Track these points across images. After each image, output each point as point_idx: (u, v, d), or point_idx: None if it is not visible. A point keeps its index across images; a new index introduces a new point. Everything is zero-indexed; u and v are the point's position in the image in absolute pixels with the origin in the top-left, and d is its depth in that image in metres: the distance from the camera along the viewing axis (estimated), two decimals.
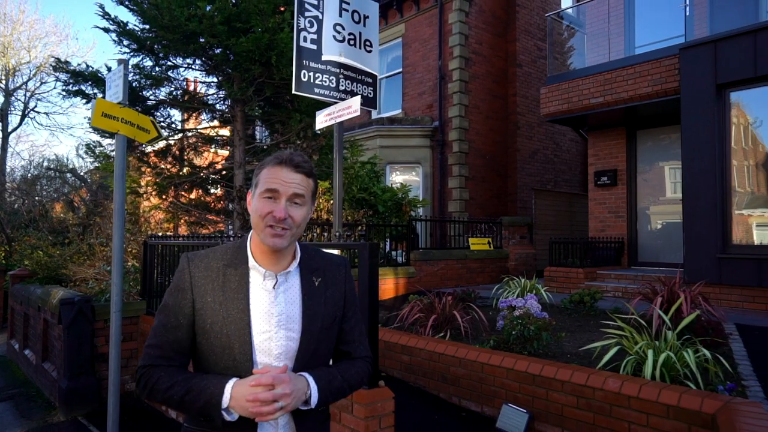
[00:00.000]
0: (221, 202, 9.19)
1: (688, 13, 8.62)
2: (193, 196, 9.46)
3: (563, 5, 14.65)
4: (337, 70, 3.55)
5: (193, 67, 8.06)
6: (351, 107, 3.35)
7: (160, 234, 8.33)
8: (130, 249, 7.79)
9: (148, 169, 8.50)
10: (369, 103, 3.74)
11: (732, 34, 6.90)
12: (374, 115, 14.39)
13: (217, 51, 7.35)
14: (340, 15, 3.57)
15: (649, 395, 3.39)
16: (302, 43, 3.39)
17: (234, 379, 1.33)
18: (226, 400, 1.30)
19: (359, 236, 8.52)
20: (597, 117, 9.10)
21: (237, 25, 6.87)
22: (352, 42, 3.63)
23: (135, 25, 7.34)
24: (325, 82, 3.48)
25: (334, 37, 3.53)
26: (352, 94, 3.61)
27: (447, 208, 12.36)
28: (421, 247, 10.20)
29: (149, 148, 8.41)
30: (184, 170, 8.57)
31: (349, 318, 1.56)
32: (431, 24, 12.92)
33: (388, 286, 8.46)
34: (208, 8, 6.82)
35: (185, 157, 8.73)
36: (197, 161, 9.00)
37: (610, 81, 8.29)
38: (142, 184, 8.02)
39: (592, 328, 5.57)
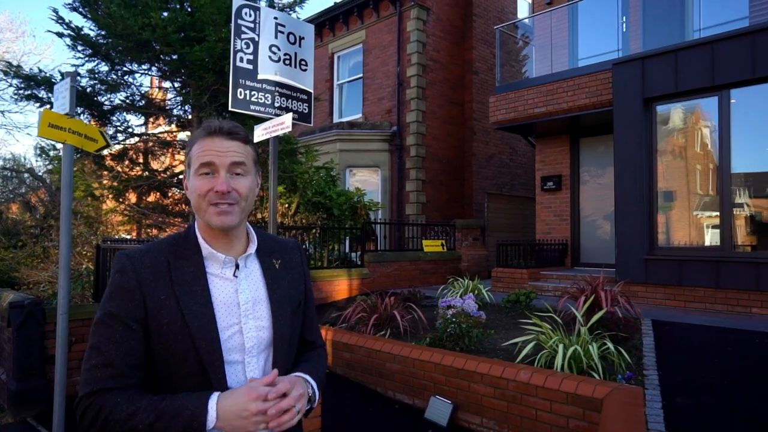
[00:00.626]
0: (180, 205, 9.33)
1: (624, 30, 9.19)
2: (151, 198, 9.58)
3: (520, 14, 15.23)
4: (273, 88, 3.83)
5: (149, 72, 8.20)
6: (283, 123, 3.64)
7: (116, 237, 8.44)
8: (85, 252, 7.90)
9: (106, 173, 8.60)
10: (304, 118, 4.03)
11: (657, 53, 7.44)
12: (336, 118, 14.71)
13: (174, 57, 7.52)
14: (276, 37, 3.85)
15: (553, 385, 3.79)
16: (239, 63, 3.66)
17: (215, 394, 1.14)
18: (211, 421, 1.11)
19: (313, 238, 8.81)
20: (543, 125, 9.60)
21: (191, 34, 7.06)
22: (287, 62, 3.92)
23: (91, 29, 7.46)
24: (261, 99, 3.76)
25: (269, 57, 3.81)
26: (288, 110, 3.90)
27: (405, 211, 12.74)
28: (380, 249, 10.54)
29: (106, 151, 8.52)
30: (142, 173, 8.69)
31: (309, 305, 1.47)
32: (390, 31, 13.27)
33: (342, 287, 8.76)
34: (164, 15, 7.02)
35: (143, 161, 8.85)
36: (155, 165, 9.13)
37: (552, 92, 8.78)
38: (95, 186, 8.11)
39: (524, 325, 5.98)
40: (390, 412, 4.64)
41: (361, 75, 14.12)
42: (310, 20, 14.97)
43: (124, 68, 7.93)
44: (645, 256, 7.40)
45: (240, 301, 1.27)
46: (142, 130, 9.51)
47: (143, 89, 8.78)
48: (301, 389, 1.21)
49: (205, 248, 1.28)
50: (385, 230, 12.02)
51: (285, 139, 9.16)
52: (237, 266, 1.29)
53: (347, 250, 10.00)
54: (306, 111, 4.04)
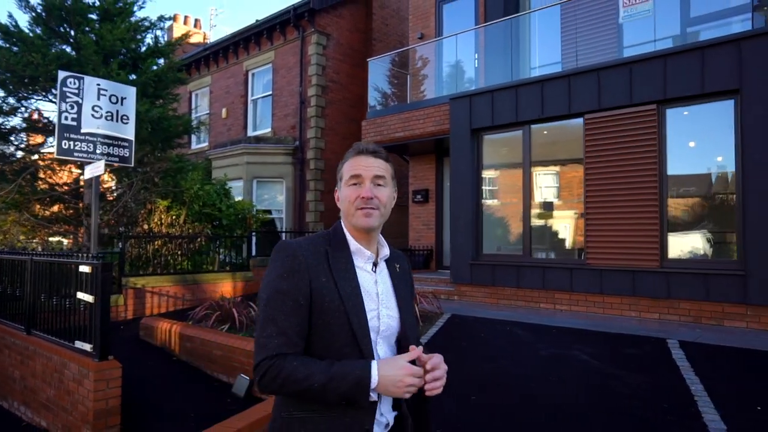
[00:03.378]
0: (79, 217, 10.31)
1: (476, 66, 10.70)
2: (56, 209, 10.51)
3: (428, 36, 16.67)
4: (95, 139, 5.01)
5: (45, 99, 9.19)
6: (99, 168, 4.83)
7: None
8: None
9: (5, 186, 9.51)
10: (124, 160, 5.22)
11: (480, 92, 8.94)
12: (250, 131, 15.83)
13: None
14: (98, 98, 5.04)
15: None
16: (63, 121, 4.82)
17: (375, 362, 1.34)
18: (374, 383, 1.32)
19: (199, 246, 9.95)
20: (414, 146, 11.01)
21: (75, 69, 8.13)
22: (109, 117, 5.10)
23: None
24: (84, 147, 4.93)
25: (92, 115, 4.99)
26: (110, 155, 5.09)
27: (305, 219, 13.99)
28: (267, 254, 11.76)
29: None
30: (41, 187, 9.62)
31: (413, 306, 1.69)
32: (295, 54, 14.50)
33: (226, 288, 9.93)
34: (52, 50, 8.04)
35: (42, 176, 9.77)
36: (54, 179, 10.06)
37: (408, 120, 10.21)
38: None
39: None
40: (211, 388, 5.88)
41: (270, 92, 15.29)
42: (225, 41, 16.10)
43: (20, 94, 8.90)
44: (470, 261, 8.87)
45: (378, 291, 1.49)
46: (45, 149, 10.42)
47: (46, 113, 9.74)
48: (444, 364, 1.42)
49: (353, 244, 1.50)
50: (288, 237, 13.33)
51: (176, 158, 10.29)
52: (375, 263, 1.53)
53: (244, 254, 11.19)
54: (127, 155, 5.23)
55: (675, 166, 7.20)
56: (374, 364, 1.34)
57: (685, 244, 7.20)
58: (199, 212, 10.21)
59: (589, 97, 7.70)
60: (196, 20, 21.78)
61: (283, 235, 13.60)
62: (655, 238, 7.08)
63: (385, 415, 1.46)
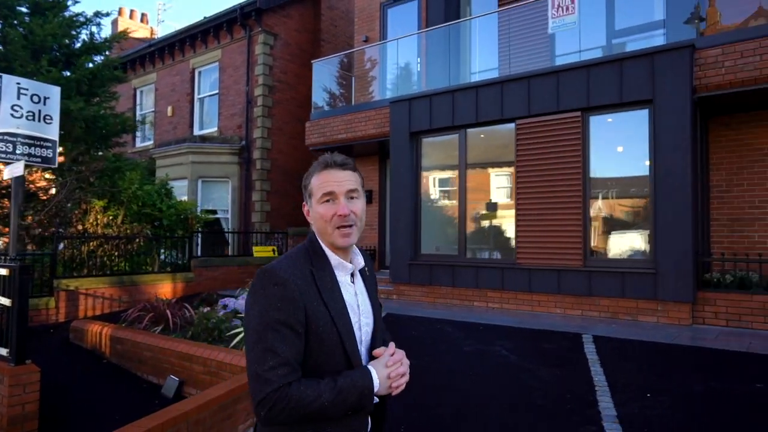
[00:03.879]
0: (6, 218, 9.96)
1: (419, 69, 10.94)
2: None
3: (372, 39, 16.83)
4: (15, 139, 4.92)
5: None
6: (18, 169, 4.76)
7: None
8: None
9: None
10: (47, 161, 5.15)
11: (419, 96, 9.17)
12: (196, 130, 15.62)
13: None
14: (18, 98, 4.95)
15: (236, 361, 5.16)
16: None
17: (370, 367, 1.42)
18: (376, 386, 1.38)
19: (138, 246, 9.80)
20: (359, 147, 11.13)
21: (3, 65, 7.88)
22: (30, 117, 5.02)
23: None
24: (2, 147, 4.84)
25: (11, 114, 4.90)
26: (30, 155, 5.01)
27: (251, 219, 13.93)
28: (225, 254, 11.70)
29: None
30: None
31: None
32: (242, 53, 14.40)
33: (165, 289, 9.81)
34: None
35: None
36: None
37: (350, 122, 10.35)
38: None
39: None
40: (138, 390, 5.85)
41: (217, 91, 15.13)
42: (171, 37, 15.82)
43: None
44: (409, 261, 9.09)
45: (359, 302, 1.51)
46: None
47: None
48: (406, 359, 1.49)
49: (334, 258, 1.48)
50: (235, 237, 13.28)
51: (113, 157, 10.09)
52: (352, 274, 1.54)
53: (189, 255, 11.06)
54: (50, 155, 5.16)
55: (597, 171, 7.61)
56: (373, 371, 1.40)
57: (606, 245, 7.63)
58: (139, 212, 10.04)
59: (520, 103, 8.04)
60: (143, 15, 21.25)
61: (229, 235, 13.51)
62: (579, 238, 7.47)
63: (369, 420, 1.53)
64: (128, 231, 9.68)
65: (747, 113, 7.58)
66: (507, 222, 8.51)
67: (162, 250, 10.38)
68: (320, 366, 1.39)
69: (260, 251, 11.93)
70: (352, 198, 1.47)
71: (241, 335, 5.89)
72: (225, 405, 4.07)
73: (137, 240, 9.76)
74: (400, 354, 1.48)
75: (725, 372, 4.81)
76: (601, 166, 7.65)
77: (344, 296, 1.46)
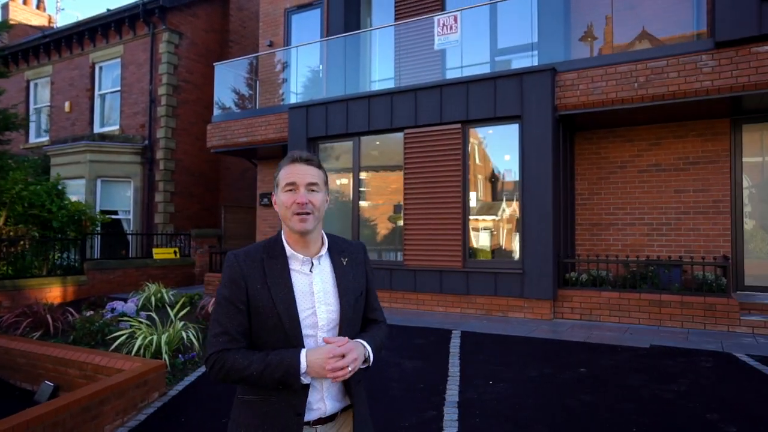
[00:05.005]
0: None
1: (321, 76, 11.23)
2: None
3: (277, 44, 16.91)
4: None
5: None
6: None
7: None
8: None
9: None
10: None
11: (316, 103, 9.48)
12: (97, 128, 15.04)
13: None
14: None
15: (113, 364, 5.24)
16: None
17: (304, 350, 1.55)
18: (303, 368, 1.52)
19: (22, 249, 9.42)
20: (262, 150, 11.26)
21: None
22: None
23: None
24: None
25: None
26: None
27: (154, 220, 13.65)
28: (125, 256, 11.39)
29: None
30: None
31: (371, 290, 1.82)
32: (145, 50, 14.06)
33: (54, 294, 9.50)
34: None
35: None
36: None
37: (251, 125, 10.48)
38: None
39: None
40: (9, 397, 5.75)
41: (119, 88, 14.67)
42: (69, 29, 15.13)
43: None
44: None
45: (314, 290, 1.63)
46: None
47: None
48: (356, 354, 1.57)
49: (288, 250, 1.65)
50: (136, 239, 12.96)
51: None
52: (312, 264, 1.67)
53: (82, 257, 10.70)
54: None
55: (476, 178, 8.26)
56: (303, 352, 1.54)
57: (483, 247, 8.30)
58: (24, 214, 9.64)
59: (408, 114, 8.55)
60: (39, 1, 20.03)
61: (130, 237, 13.18)
62: (459, 241, 8.08)
63: (323, 402, 1.65)
64: (11, 233, 9.28)
65: (604, 130, 8.52)
66: (396, 224, 9.01)
67: (52, 254, 10.01)
68: (263, 340, 1.59)
69: (160, 253, 11.77)
70: (312, 190, 1.63)
71: (122, 338, 5.95)
72: (89, 406, 4.18)
73: (21, 242, 9.37)
74: (347, 349, 1.56)
75: (561, 360, 5.49)
76: (479, 175, 8.31)
77: (295, 284, 1.61)
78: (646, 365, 5.20)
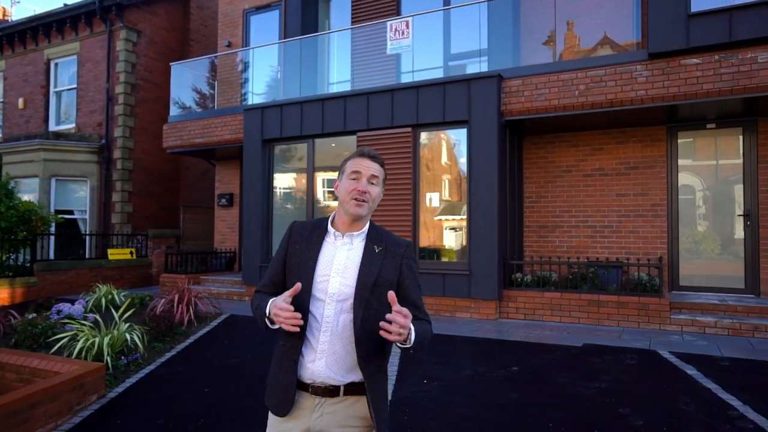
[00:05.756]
0: None
1: (279, 77, 11.26)
2: None
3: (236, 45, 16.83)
4: None
5: None
6: None
7: None
8: None
9: None
10: None
11: (271, 105, 9.53)
12: (52, 126, 14.74)
13: None
14: None
15: (51, 367, 5.22)
16: None
17: (271, 300, 1.77)
18: (269, 312, 1.76)
19: None
20: (221, 151, 11.23)
21: None
22: None
23: None
24: None
25: None
26: None
27: (111, 220, 13.46)
28: (81, 256, 11.18)
29: None
30: None
31: (408, 288, 1.90)
32: (102, 48, 13.84)
33: (2, 295, 9.31)
34: None
35: None
36: None
37: (207, 126, 10.46)
38: None
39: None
40: None
41: (75, 86, 14.40)
42: (22, 24, 14.79)
43: None
44: (260, 264, 9.42)
45: (335, 262, 1.85)
46: None
47: None
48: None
49: (329, 227, 1.92)
50: (92, 239, 12.76)
51: None
52: (343, 237, 1.90)
53: (32, 258, 10.50)
54: None
55: (425, 181, 8.43)
56: (271, 300, 1.76)
57: (433, 248, 8.48)
58: None
59: (361, 117, 8.67)
60: None
61: (87, 237, 12.97)
62: (410, 241, 8.22)
63: (315, 363, 1.81)
64: None
65: (551, 135, 8.80)
66: None
67: (0, 254, 9.81)
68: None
69: (116, 254, 11.63)
70: (372, 183, 1.87)
71: (64, 340, 5.91)
72: (18, 410, 4.18)
73: None
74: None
75: (497, 359, 5.69)
76: (430, 177, 8.49)
77: (322, 252, 1.87)
78: (575, 363, 5.44)
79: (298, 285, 1.75)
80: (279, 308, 1.70)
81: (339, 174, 1.94)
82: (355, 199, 1.82)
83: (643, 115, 7.63)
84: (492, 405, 4.37)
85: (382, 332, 1.62)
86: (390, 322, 1.61)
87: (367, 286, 1.81)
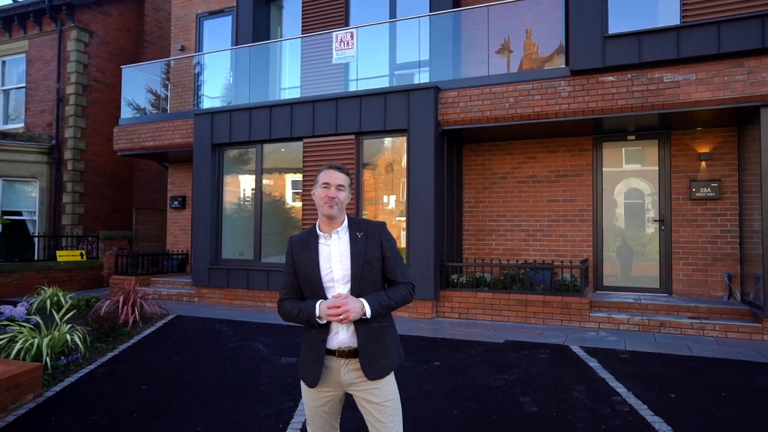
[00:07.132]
0: None
1: (231, 82, 11.45)
2: None
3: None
4: None
5: None
6: None
7: None
8: None
9: None
10: None
11: (221, 110, 9.74)
12: (1, 125, 14.50)
13: None
14: None
15: None
16: None
17: (319, 301, 2.24)
18: (317, 312, 2.23)
19: None
20: (172, 154, 11.34)
21: None
22: None
23: None
24: None
25: None
26: None
27: (61, 221, 13.37)
28: (30, 259, 11.11)
29: None
30: None
31: (389, 258, 2.39)
32: (53, 47, 13.73)
33: None
34: None
35: None
36: None
37: (158, 130, 10.58)
38: None
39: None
40: None
41: (24, 84, 14.23)
42: None
43: None
44: (209, 266, 9.62)
45: (332, 255, 2.33)
46: None
47: None
48: (349, 307, 2.18)
49: (318, 232, 2.39)
50: (41, 241, 12.64)
51: None
52: (331, 237, 2.36)
53: None
54: None
55: (369, 186, 8.80)
56: (317, 303, 2.24)
57: None
58: None
59: (307, 124, 8.98)
60: None
61: (36, 239, 12.86)
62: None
63: (338, 335, 2.30)
64: None
65: (488, 143, 9.30)
66: (297, 229, 9.42)
67: None
68: (305, 290, 2.37)
69: (65, 256, 11.60)
70: (339, 189, 2.33)
71: (2, 342, 6.04)
72: None
73: None
74: (340, 301, 2.20)
75: (423, 355, 6.10)
76: (371, 184, 8.86)
77: (320, 252, 2.34)
78: (492, 358, 5.90)
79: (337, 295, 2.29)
80: (331, 306, 2.20)
81: (315, 183, 2.41)
82: (327, 203, 2.31)
83: (571, 127, 8.18)
84: (407, 397, 4.75)
85: (334, 318, 2.20)
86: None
87: (359, 264, 2.31)
